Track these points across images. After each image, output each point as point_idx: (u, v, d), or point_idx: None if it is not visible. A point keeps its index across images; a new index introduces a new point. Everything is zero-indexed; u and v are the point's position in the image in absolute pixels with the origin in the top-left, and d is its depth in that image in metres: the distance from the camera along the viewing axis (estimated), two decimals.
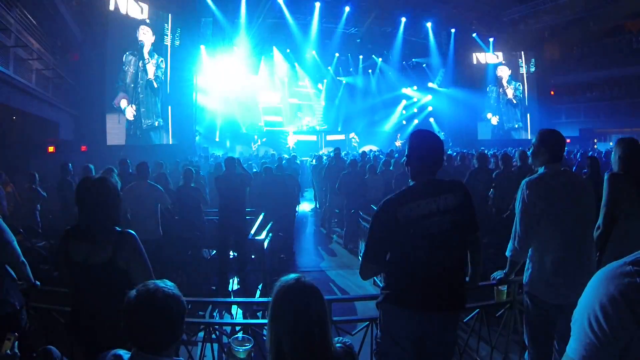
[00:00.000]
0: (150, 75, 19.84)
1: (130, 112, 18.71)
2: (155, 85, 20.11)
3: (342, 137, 29.80)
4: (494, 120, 28.84)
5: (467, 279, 2.81)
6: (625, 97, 23.63)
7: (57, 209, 9.59)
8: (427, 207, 2.52)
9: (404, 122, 30.36)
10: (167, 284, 1.83)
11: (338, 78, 30.38)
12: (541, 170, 3.16)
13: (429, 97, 30.19)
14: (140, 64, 19.25)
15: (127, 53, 18.54)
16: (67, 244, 2.79)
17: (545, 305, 3.00)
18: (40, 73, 12.40)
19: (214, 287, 7.45)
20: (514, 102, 28.26)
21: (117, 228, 2.81)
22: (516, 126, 28.37)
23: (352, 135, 29.47)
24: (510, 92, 28.36)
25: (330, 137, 29.52)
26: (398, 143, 27.53)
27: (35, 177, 9.25)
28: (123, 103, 18.42)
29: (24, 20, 10.89)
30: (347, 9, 22.37)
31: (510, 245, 3.21)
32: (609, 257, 3.24)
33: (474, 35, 26.33)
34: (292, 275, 1.72)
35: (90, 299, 2.77)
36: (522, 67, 28.11)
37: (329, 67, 29.39)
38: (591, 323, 1.06)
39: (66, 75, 14.63)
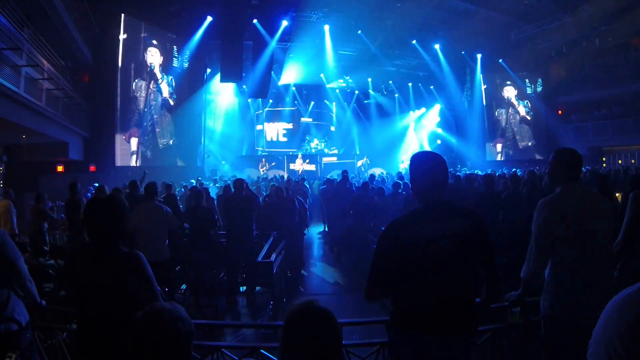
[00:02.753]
0: (165, 94, 20.20)
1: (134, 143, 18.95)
2: (172, 103, 20.47)
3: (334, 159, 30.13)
4: (502, 141, 28.71)
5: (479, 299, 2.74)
6: (632, 115, 23.54)
7: (63, 227, 9.64)
8: (433, 231, 2.46)
9: (412, 145, 30.48)
10: (174, 306, 1.80)
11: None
12: (558, 189, 3.10)
13: (437, 119, 30.30)
14: (152, 86, 19.50)
15: (137, 80, 18.76)
16: (74, 263, 2.77)
17: (565, 328, 2.92)
18: (51, 93, 12.53)
19: (222, 309, 7.38)
20: (525, 121, 28.16)
21: (125, 249, 2.78)
22: (529, 144, 28.21)
23: (363, 160, 29.47)
24: (521, 111, 28.28)
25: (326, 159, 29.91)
26: (402, 166, 27.53)
27: (43, 197, 9.28)
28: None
29: (35, 40, 11.04)
30: (359, 31, 22.51)
31: (525, 267, 3.14)
32: (630, 275, 3.18)
33: (479, 55, 26.42)
34: (305, 299, 1.68)
35: (96, 320, 2.72)
36: (529, 87, 28.10)
37: (337, 90, 29.60)
38: (610, 354, 1.01)
39: (76, 96, 14.78)
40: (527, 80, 28.06)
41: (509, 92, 28.37)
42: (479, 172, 17.40)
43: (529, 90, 28.14)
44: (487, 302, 2.73)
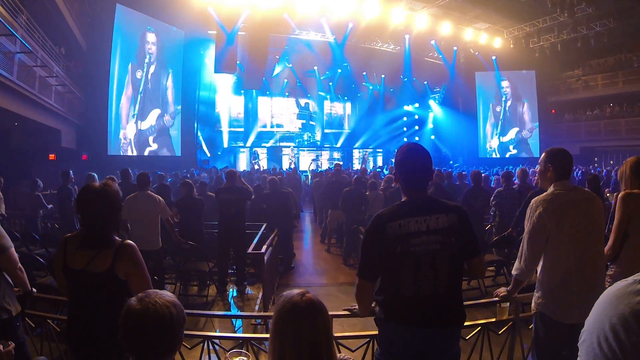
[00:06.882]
0: (159, 83, 20.11)
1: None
2: (167, 94, 20.34)
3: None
4: (496, 138, 28.76)
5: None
6: (624, 115, 23.79)
7: (55, 216, 9.58)
8: (415, 225, 2.46)
9: (405, 139, 30.48)
10: (167, 293, 1.80)
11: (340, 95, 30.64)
12: (551, 188, 3.11)
13: (430, 115, 30.37)
14: (149, 74, 19.43)
15: (133, 63, 18.64)
16: (66, 251, 2.75)
17: (556, 325, 2.95)
18: (44, 80, 12.41)
19: (212, 300, 7.39)
20: (516, 120, 28.19)
21: (117, 238, 2.78)
22: (513, 146, 28.30)
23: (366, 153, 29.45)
24: (512, 111, 28.30)
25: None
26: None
27: (38, 184, 9.20)
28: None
29: (29, 27, 10.92)
30: (350, 25, 22.43)
31: (516, 264, 3.16)
32: (622, 274, 3.20)
33: (476, 53, 26.45)
34: (297, 291, 1.68)
35: (87, 308, 2.72)
36: (524, 85, 28.11)
37: (330, 83, 29.54)
38: (601, 344, 1.01)
39: (69, 84, 14.65)
40: (521, 79, 28.07)
41: (504, 90, 28.33)
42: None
43: (522, 89, 28.12)
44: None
